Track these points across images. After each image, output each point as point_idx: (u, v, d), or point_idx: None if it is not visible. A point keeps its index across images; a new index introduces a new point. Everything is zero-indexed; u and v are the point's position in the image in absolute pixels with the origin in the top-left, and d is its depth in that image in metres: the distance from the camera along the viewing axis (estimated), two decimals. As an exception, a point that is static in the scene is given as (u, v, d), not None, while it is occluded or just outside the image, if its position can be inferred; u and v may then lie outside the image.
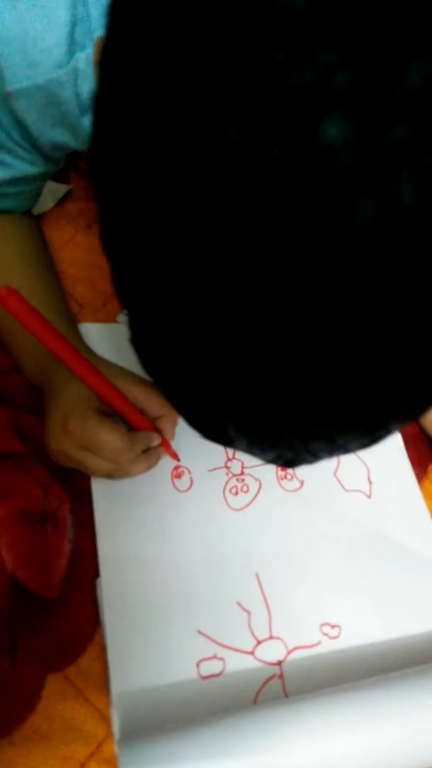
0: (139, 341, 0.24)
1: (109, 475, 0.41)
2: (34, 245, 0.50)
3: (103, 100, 0.19)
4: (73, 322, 0.48)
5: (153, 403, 0.41)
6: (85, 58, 0.35)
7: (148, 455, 0.42)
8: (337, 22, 0.14)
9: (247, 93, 0.14)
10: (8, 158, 0.41)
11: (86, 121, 0.38)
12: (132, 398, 0.41)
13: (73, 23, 0.34)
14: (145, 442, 0.41)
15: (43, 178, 0.47)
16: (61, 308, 0.47)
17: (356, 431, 0.22)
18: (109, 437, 0.38)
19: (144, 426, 0.41)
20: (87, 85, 0.36)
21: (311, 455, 0.24)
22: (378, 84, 0.14)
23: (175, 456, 0.45)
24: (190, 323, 0.19)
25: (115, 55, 0.19)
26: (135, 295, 0.22)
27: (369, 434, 0.22)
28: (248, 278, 0.17)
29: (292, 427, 0.21)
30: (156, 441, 0.42)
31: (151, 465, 0.42)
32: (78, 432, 0.38)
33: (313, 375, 0.18)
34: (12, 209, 0.48)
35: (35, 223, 0.52)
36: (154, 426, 0.42)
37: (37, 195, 0.50)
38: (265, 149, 0.15)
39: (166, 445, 0.43)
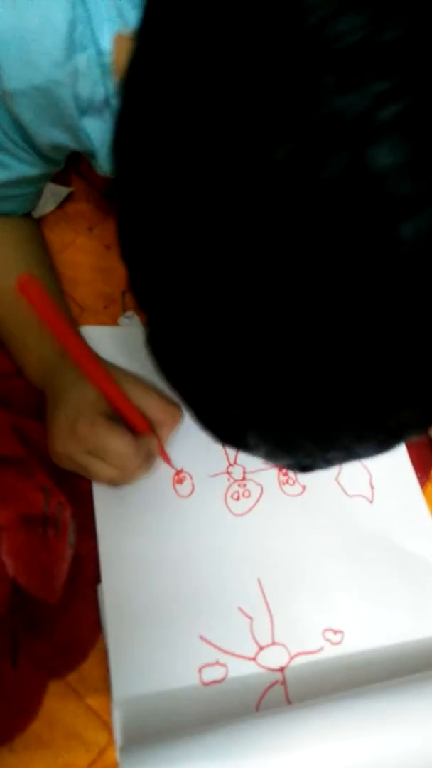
0: (156, 345, 0.24)
1: (112, 482, 0.41)
2: (34, 248, 0.50)
3: (134, 102, 0.19)
4: (73, 325, 0.48)
5: (153, 407, 0.41)
6: (86, 60, 0.35)
7: (148, 460, 0.42)
8: (389, 54, 0.14)
9: (299, 116, 0.15)
10: (7, 159, 0.41)
11: (86, 123, 0.38)
12: (133, 402, 0.40)
13: (73, 24, 0.34)
14: (148, 448, 0.41)
15: (43, 179, 0.47)
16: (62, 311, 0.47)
17: (376, 441, 0.22)
18: (119, 443, 0.38)
19: (146, 430, 0.41)
20: (87, 86, 0.36)
21: (326, 462, 0.24)
22: (427, 114, 0.14)
23: (168, 460, 0.45)
24: (214, 328, 0.19)
25: (149, 59, 0.19)
26: (155, 299, 0.22)
27: (387, 443, 0.23)
28: (279, 289, 0.17)
29: (315, 437, 0.21)
30: (155, 446, 0.42)
31: (149, 470, 0.42)
32: (87, 436, 0.38)
33: (341, 388, 0.19)
34: (12, 212, 0.48)
35: (35, 225, 0.52)
36: (152, 431, 0.42)
37: (37, 197, 0.50)
38: (313, 171, 0.15)
39: (161, 449, 0.43)
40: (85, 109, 0.37)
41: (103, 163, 0.42)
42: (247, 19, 0.16)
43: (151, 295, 0.22)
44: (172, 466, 0.45)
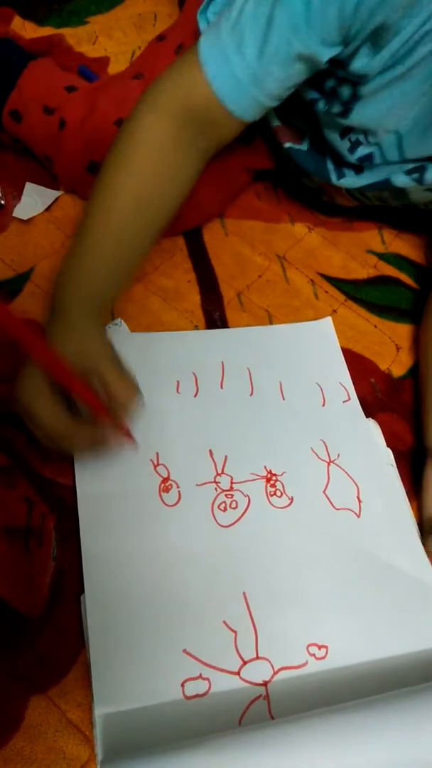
0: None
1: (48, 440, 0.40)
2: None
3: None
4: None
5: (112, 384, 0.39)
6: None
7: (95, 433, 0.40)
8: None
9: None
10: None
11: None
12: (96, 376, 0.39)
13: None
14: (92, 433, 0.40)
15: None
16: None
17: None
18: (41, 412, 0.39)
19: (100, 410, 0.39)
20: None
21: None
22: None
23: (129, 437, 0.43)
24: None
25: None
26: None
27: None
28: None
29: None
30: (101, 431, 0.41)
31: (95, 441, 0.41)
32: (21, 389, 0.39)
33: None
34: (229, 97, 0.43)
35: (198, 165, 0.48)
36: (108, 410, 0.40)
37: (263, 110, 0.45)
38: None
39: (121, 427, 0.42)
40: None
41: None
42: None
43: None
44: (132, 441, 0.43)
